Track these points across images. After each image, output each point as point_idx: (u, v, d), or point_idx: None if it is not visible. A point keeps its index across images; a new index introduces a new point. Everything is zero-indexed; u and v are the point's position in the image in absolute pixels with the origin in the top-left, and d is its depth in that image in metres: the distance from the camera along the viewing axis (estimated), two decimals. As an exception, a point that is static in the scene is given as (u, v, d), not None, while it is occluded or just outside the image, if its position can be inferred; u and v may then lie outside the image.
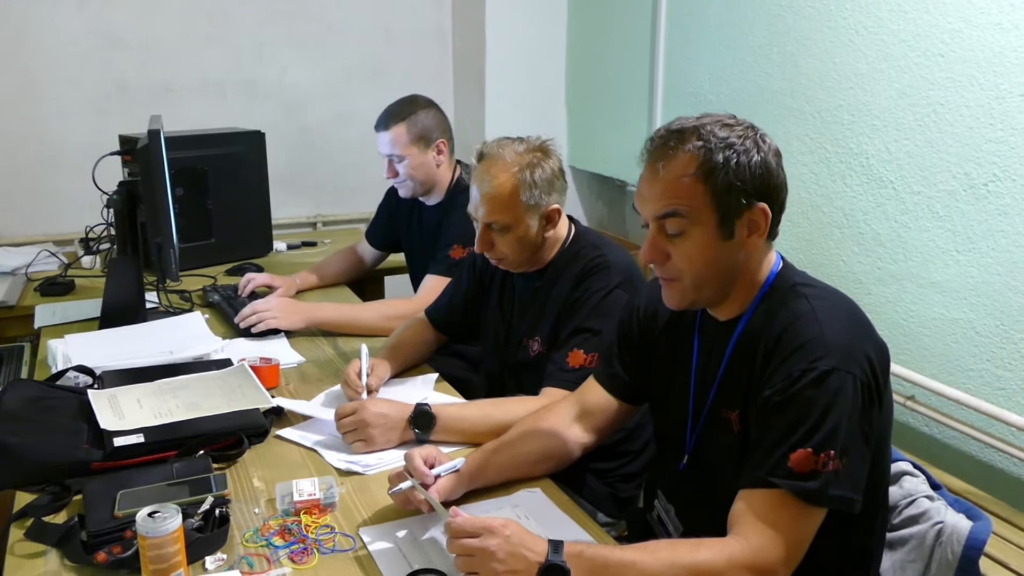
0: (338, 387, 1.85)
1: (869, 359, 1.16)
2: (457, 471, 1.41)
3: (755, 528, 1.12)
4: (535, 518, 1.36)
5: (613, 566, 1.13)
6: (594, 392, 1.54)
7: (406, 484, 1.33)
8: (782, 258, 1.31)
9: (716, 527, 1.17)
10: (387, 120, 2.36)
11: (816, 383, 1.12)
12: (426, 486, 1.34)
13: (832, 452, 1.11)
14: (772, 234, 1.25)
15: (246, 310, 2.19)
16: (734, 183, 1.18)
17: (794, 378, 1.14)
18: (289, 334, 2.19)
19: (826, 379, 1.12)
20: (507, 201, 1.72)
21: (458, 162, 2.49)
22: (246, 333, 2.16)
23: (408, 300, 2.29)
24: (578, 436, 1.52)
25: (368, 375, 1.76)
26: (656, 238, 1.24)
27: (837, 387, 1.12)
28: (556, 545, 1.14)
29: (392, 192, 2.59)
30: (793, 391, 1.14)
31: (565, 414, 1.54)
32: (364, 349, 1.82)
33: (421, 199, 2.50)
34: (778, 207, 1.23)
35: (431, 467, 1.37)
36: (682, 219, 1.20)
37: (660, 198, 1.21)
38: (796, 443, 1.12)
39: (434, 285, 2.24)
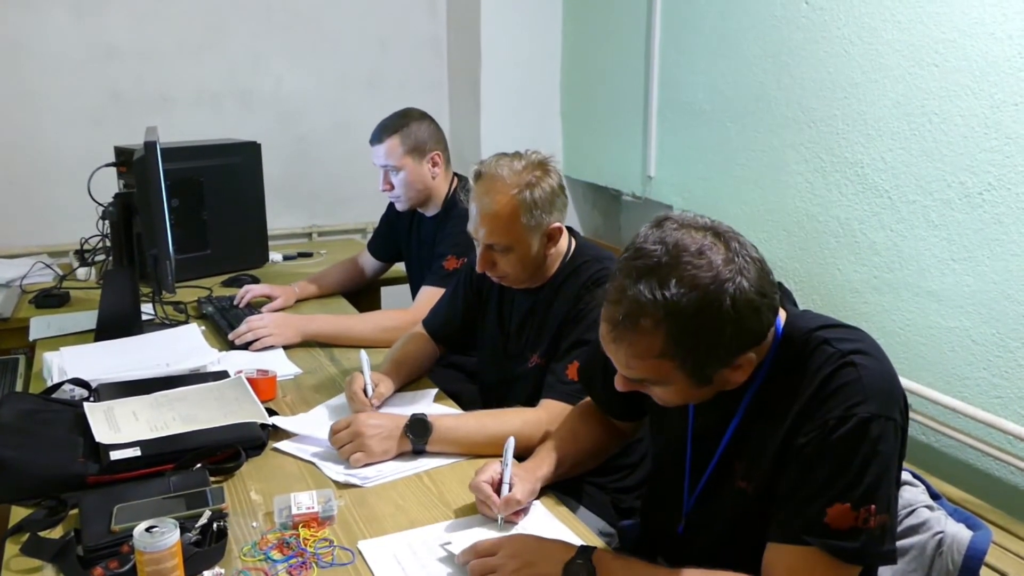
0: (336, 399, 1.84)
1: (902, 400, 1.09)
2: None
3: None
4: (534, 531, 1.35)
5: None
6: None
7: (500, 517, 1.36)
8: (783, 310, 1.18)
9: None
10: (380, 133, 2.38)
11: (854, 432, 1.04)
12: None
13: (872, 507, 1.03)
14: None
15: (241, 327, 2.18)
16: (711, 357, 1.08)
17: (830, 426, 1.05)
18: (286, 346, 2.18)
19: (866, 428, 1.03)
20: (507, 223, 1.69)
21: (456, 175, 2.49)
22: (242, 345, 2.16)
23: (403, 311, 2.29)
24: (611, 428, 1.56)
25: (373, 388, 1.75)
26: (631, 384, 1.17)
27: (878, 436, 1.03)
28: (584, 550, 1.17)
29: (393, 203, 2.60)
30: (829, 440, 1.05)
31: (597, 410, 1.56)
32: (364, 357, 1.79)
33: (420, 210, 2.51)
34: (764, 335, 1.11)
35: (498, 486, 1.38)
36: (656, 385, 1.14)
37: (628, 369, 1.13)
38: (833, 497, 1.03)
39: (429, 296, 2.24)
